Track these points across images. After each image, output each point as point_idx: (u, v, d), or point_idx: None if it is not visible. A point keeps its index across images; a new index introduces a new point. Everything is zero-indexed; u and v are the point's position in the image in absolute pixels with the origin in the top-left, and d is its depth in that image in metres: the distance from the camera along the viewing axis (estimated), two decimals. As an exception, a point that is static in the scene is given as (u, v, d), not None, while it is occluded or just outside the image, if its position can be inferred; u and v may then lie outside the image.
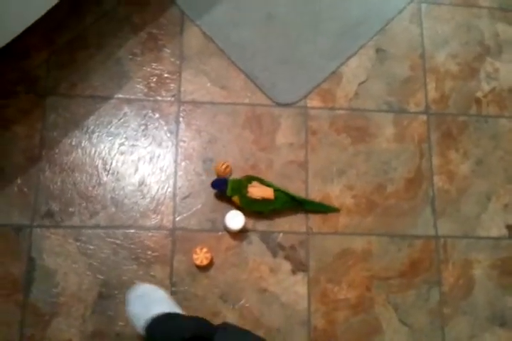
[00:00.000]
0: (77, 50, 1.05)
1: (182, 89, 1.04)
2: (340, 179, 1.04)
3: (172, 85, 1.04)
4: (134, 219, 0.98)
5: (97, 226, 0.96)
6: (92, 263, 0.94)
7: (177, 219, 0.99)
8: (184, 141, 1.02)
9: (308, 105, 1.06)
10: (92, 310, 0.93)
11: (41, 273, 0.94)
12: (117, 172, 0.99)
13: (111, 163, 1.00)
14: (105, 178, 0.99)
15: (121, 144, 1.01)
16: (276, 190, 1.00)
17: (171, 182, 1.00)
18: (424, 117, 1.10)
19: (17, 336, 0.90)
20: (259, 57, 1.07)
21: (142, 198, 0.99)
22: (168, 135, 1.02)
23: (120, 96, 1.03)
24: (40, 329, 0.91)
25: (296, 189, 1.02)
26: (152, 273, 0.95)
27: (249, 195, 0.97)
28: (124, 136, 1.01)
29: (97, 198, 0.97)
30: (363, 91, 1.09)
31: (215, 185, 0.99)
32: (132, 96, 1.03)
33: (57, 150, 0.99)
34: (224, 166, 1.01)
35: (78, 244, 0.95)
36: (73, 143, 1.00)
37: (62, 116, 1.01)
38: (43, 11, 0.92)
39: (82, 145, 1.00)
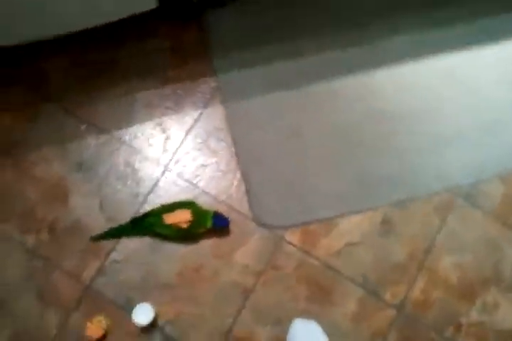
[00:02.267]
0: (100, 72, 1.10)
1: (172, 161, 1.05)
2: (274, 328, 0.95)
3: (163, 157, 1.05)
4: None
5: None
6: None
7: (97, 278, 0.97)
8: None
9: (286, 238, 1.01)
10: None
11: None
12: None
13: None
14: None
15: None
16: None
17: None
18: (394, 312, 0.98)
19: None
20: (264, 167, 1.04)
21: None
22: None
23: (114, 134, 1.06)
24: None
25: (225, 314, 0.96)
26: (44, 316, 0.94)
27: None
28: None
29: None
30: (347, 253, 1.01)
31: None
32: (126, 139, 1.06)
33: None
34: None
35: None
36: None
37: (48, 127, 1.05)
38: (86, 25, 0.99)
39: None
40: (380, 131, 1.09)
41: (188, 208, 0.98)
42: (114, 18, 1.04)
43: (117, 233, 1.00)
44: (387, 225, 1.04)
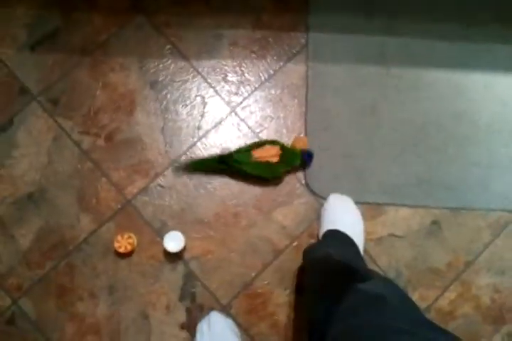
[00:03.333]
0: (196, 2, 1.05)
1: (241, 105, 1.04)
2: (292, 294, 0.95)
3: (234, 98, 1.03)
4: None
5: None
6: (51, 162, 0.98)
7: (139, 196, 0.98)
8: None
9: (330, 211, 0.99)
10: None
11: (4, 139, 0.99)
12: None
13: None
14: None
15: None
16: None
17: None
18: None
19: None
20: (330, 135, 0.99)
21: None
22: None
23: (194, 63, 1.03)
24: None
25: (250, 266, 0.95)
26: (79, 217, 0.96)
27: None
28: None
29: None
30: (388, 243, 0.98)
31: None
32: (203, 71, 1.02)
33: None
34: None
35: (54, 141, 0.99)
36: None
37: (135, 38, 1.03)
38: None
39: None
40: (458, 134, 1.02)
41: (276, 145, 0.96)
42: None
43: (202, 166, 0.98)
44: (435, 227, 1.00)
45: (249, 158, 0.95)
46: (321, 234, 0.92)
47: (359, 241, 0.91)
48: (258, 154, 0.95)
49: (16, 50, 1.05)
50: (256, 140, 1.01)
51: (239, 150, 0.97)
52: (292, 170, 0.99)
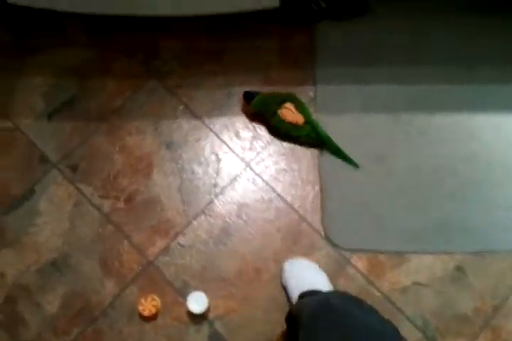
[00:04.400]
0: (207, 60, 1.10)
1: (255, 160, 1.06)
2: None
3: (248, 154, 1.07)
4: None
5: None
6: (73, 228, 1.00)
7: (160, 257, 0.99)
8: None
9: (352, 261, 0.98)
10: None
11: (27, 207, 1.02)
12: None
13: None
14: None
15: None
16: (307, 123, 1.01)
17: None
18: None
19: None
20: (345, 185, 1.02)
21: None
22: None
23: (206, 121, 1.07)
24: None
25: (276, 322, 0.94)
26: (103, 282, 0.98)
27: (281, 115, 0.99)
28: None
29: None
30: (413, 292, 0.97)
31: (246, 95, 1.01)
32: (216, 129, 1.06)
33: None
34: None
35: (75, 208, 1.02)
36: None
37: (148, 101, 1.08)
38: (209, 10, 1.00)
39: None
40: (473, 177, 1.03)
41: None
42: (236, 10, 1.04)
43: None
44: (459, 273, 0.99)
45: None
46: (294, 300, 0.91)
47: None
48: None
49: (34, 119, 1.09)
50: (269, 195, 1.02)
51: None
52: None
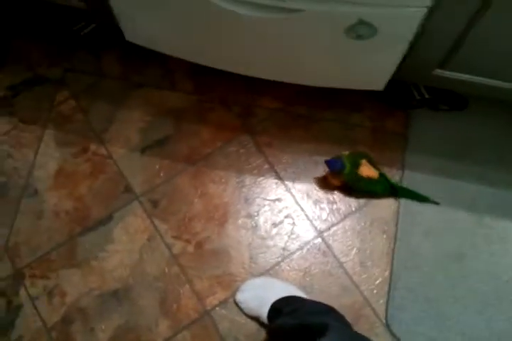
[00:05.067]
0: (299, 125, 1.17)
1: (328, 232, 1.10)
2: None
3: (322, 224, 1.10)
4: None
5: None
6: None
7: (217, 308, 1.01)
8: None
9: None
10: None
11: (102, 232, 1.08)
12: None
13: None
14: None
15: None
16: (381, 175, 1.07)
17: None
18: None
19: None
20: (415, 279, 1.02)
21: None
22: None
23: (288, 184, 1.11)
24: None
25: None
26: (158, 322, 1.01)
27: (359, 172, 1.03)
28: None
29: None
30: None
31: (330, 164, 1.03)
32: (296, 193, 1.11)
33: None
34: None
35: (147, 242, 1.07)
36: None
37: (236, 154, 1.15)
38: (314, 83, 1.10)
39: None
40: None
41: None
42: (342, 86, 1.12)
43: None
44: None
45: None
46: (265, 320, 0.93)
47: (293, 289, 0.96)
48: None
49: (128, 150, 1.17)
50: (335, 270, 1.04)
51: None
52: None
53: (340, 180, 1.07)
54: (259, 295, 0.96)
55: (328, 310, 0.87)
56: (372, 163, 1.08)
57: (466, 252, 1.05)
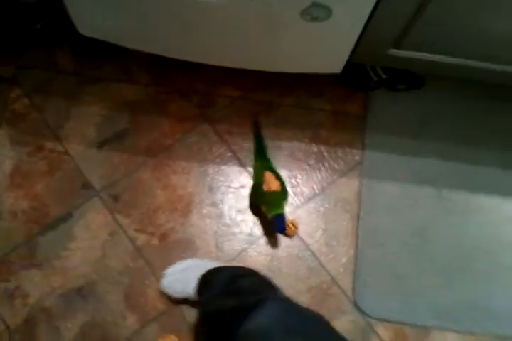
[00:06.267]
0: (259, 111, 1.16)
1: (293, 215, 1.11)
2: None
3: (286, 208, 1.11)
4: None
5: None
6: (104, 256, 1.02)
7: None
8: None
9: (378, 330, 1.00)
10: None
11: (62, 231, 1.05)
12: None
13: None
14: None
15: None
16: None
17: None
18: None
19: None
20: (380, 254, 1.04)
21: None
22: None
23: (250, 171, 1.08)
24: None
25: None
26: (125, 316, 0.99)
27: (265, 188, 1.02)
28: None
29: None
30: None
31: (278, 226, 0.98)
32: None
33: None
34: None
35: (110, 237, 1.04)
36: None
37: (198, 144, 1.13)
38: (271, 69, 1.05)
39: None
40: (505, 262, 1.06)
41: (280, 189, 1.03)
42: (298, 71, 1.12)
43: (258, 145, 1.13)
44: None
45: (263, 170, 1.06)
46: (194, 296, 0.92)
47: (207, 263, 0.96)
48: (267, 176, 1.04)
49: (85, 146, 1.14)
50: (303, 252, 1.05)
51: (270, 163, 1.09)
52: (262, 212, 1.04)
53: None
54: (183, 277, 0.95)
55: (263, 282, 0.83)
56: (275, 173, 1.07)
57: (427, 226, 1.08)
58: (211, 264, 0.95)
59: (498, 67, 1.00)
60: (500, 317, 1.02)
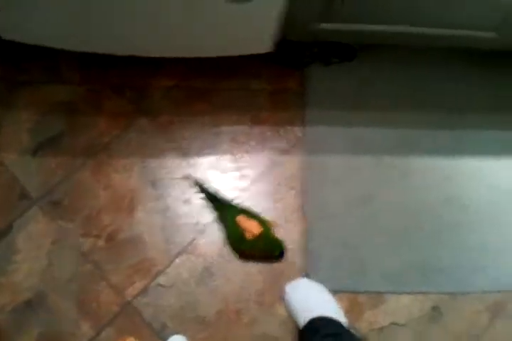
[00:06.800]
0: (198, 99, 1.14)
1: (239, 198, 1.08)
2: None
3: (232, 192, 1.08)
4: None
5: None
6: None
7: (139, 297, 0.97)
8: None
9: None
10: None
11: (4, 245, 0.99)
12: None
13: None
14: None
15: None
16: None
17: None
18: None
19: None
20: (328, 226, 1.03)
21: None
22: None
23: (194, 160, 1.09)
24: None
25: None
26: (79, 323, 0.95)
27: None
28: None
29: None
30: (391, 332, 0.98)
31: None
32: (202, 167, 1.08)
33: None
34: None
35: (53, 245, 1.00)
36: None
37: (137, 139, 1.10)
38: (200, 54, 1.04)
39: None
40: (450, 220, 1.08)
41: (262, 226, 0.99)
42: (229, 54, 1.10)
43: (212, 198, 1.05)
44: (436, 313, 1.01)
45: (233, 218, 0.99)
46: (300, 325, 0.87)
47: (339, 315, 0.88)
48: (242, 222, 0.98)
49: (19, 154, 1.09)
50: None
51: (234, 207, 1.02)
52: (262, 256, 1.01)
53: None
54: (307, 299, 0.88)
55: None
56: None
57: (373, 193, 1.08)
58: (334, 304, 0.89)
59: (423, 30, 1.01)
60: (449, 274, 1.02)
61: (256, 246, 0.98)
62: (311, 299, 0.89)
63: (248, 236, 0.97)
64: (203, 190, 1.06)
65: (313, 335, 0.82)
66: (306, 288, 0.92)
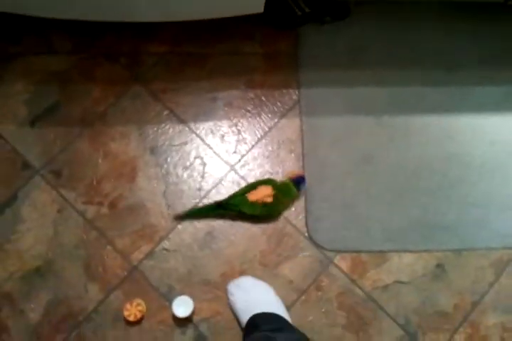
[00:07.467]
0: (192, 64, 1.12)
1: (239, 163, 1.08)
2: None
3: (232, 157, 1.09)
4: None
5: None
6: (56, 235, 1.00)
7: (144, 261, 0.99)
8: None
9: (336, 262, 1.00)
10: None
11: (9, 214, 1.01)
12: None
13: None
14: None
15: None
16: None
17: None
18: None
19: None
20: (328, 187, 1.03)
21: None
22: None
23: (191, 126, 1.08)
24: None
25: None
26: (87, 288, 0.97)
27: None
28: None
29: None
30: (394, 290, 0.99)
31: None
32: (201, 133, 1.07)
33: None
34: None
35: (58, 213, 1.01)
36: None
37: (133, 106, 1.08)
38: (191, 17, 1.00)
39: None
40: (452, 176, 1.07)
41: (268, 184, 0.99)
42: (219, 16, 1.06)
43: (201, 213, 1.01)
44: (440, 271, 1.02)
45: (245, 201, 0.98)
46: (243, 325, 0.90)
47: (281, 310, 0.91)
48: (253, 197, 0.98)
49: (17, 125, 1.09)
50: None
51: (235, 195, 1.01)
52: (294, 202, 1.02)
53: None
54: (249, 299, 0.91)
55: None
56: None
57: (372, 153, 1.06)
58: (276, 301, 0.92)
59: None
60: (453, 231, 1.02)
61: (280, 201, 0.99)
62: (253, 297, 0.91)
63: (269, 201, 0.98)
64: (191, 215, 1.02)
65: (253, 331, 0.83)
66: (249, 286, 0.94)
